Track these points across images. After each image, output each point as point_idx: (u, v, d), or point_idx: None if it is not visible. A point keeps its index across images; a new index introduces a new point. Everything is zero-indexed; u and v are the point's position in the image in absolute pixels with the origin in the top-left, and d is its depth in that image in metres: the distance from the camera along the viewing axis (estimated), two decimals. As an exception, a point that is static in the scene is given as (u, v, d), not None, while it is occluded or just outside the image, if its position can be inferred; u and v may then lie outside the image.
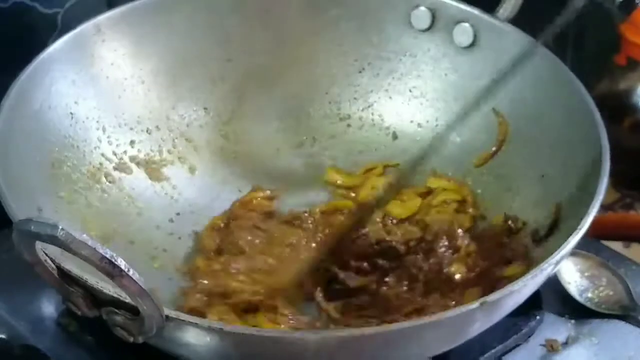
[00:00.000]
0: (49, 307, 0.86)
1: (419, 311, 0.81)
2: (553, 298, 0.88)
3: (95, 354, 0.83)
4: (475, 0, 0.96)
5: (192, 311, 0.82)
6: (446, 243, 0.87)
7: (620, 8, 1.07)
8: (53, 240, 0.60)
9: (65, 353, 0.83)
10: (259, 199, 0.96)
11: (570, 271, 0.90)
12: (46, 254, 0.66)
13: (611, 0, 1.05)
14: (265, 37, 1.00)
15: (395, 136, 1.01)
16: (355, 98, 1.02)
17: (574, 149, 0.86)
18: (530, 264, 0.79)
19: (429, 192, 0.96)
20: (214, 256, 0.90)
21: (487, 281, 0.83)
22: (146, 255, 0.90)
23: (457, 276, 0.84)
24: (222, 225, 0.93)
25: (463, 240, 0.87)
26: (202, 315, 0.81)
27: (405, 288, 0.84)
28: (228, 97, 1.01)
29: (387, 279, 0.86)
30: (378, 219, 0.90)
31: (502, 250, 0.87)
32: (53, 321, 0.85)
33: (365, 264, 0.88)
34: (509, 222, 0.89)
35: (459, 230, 0.88)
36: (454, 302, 0.82)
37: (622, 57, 1.10)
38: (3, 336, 0.83)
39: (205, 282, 0.86)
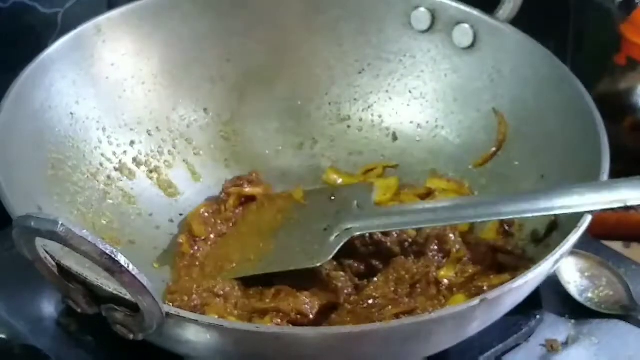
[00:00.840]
0: (49, 307, 0.86)
1: (405, 313, 0.80)
2: (553, 298, 0.89)
3: (95, 354, 0.83)
4: (474, 1, 0.96)
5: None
6: (437, 247, 0.87)
7: (620, 8, 1.07)
8: (53, 235, 0.60)
9: (65, 353, 0.83)
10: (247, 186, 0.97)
11: (570, 271, 0.90)
12: (46, 251, 0.67)
13: (611, 0, 1.05)
14: (265, 37, 1.00)
15: (395, 137, 1.01)
16: (355, 99, 1.02)
17: (574, 149, 0.86)
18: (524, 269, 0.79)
19: (428, 193, 0.96)
20: (199, 241, 0.91)
21: (474, 288, 0.83)
22: (146, 255, 0.90)
23: (445, 281, 0.84)
24: (210, 212, 0.94)
25: (454, 245, 0.87)
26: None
27: (392, 289, 0.84)
28: (228, 98, 1.01)
29: (375, 279, 0.86)
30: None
31: (494, 256, 0.86)
32: (53, 321, 0.85)
33: (360, 266, 0.88)
34: (505, 226, 0.89)
35: (451, 235, 0.88)
36: (439, 306, 0.81)
37: (622, 57, 1.09)
38: (3, 336, 0.83)
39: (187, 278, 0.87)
